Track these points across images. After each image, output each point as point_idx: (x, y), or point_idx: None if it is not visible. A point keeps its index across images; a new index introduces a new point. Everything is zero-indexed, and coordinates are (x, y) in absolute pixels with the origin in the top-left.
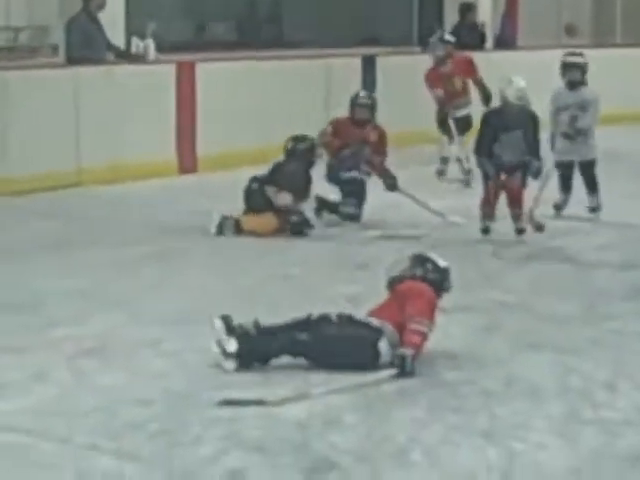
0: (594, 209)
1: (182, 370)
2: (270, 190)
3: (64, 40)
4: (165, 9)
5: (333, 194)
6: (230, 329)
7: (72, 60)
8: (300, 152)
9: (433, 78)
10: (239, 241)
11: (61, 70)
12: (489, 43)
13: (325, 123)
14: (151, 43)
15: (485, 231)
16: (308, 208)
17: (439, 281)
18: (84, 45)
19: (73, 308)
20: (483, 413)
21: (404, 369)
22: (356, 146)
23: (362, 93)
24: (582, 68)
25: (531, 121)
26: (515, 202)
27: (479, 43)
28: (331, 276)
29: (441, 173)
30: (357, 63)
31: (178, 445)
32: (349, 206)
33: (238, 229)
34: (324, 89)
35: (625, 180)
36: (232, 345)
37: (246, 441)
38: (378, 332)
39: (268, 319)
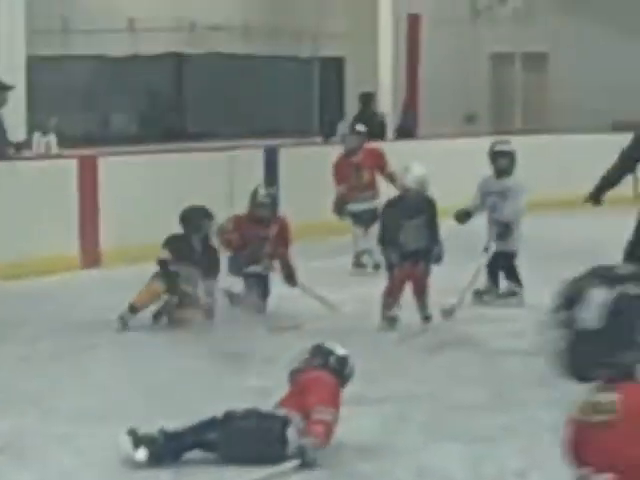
0: (508, 294)
1: (93, 467)
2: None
3: None
4: (67, 102)
5: (237, 286)
6: (137, 441)
7: None
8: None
9: (341, 169)
10: (146, 335)
11: None
12: (390, 133)
13: (228, 215)
14: (53, 137)
15: (392, 321)
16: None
17: (339, 369)
18: None
19: None
20: None
21: (305, 459)
22: (255, 245)
23: (261, 191)
24: (510, 156)
25: (430, 207)
26: (420, 290)
27: (380, 133)
28: (239, 370)
29: (359, 265)
30: (259, 154)
31: None
32: (253, 297)
33: (134, 311)
34: (227, 180)
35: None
36: (142, 454)
37: None
38: (284, 421)
39: (178, 414)
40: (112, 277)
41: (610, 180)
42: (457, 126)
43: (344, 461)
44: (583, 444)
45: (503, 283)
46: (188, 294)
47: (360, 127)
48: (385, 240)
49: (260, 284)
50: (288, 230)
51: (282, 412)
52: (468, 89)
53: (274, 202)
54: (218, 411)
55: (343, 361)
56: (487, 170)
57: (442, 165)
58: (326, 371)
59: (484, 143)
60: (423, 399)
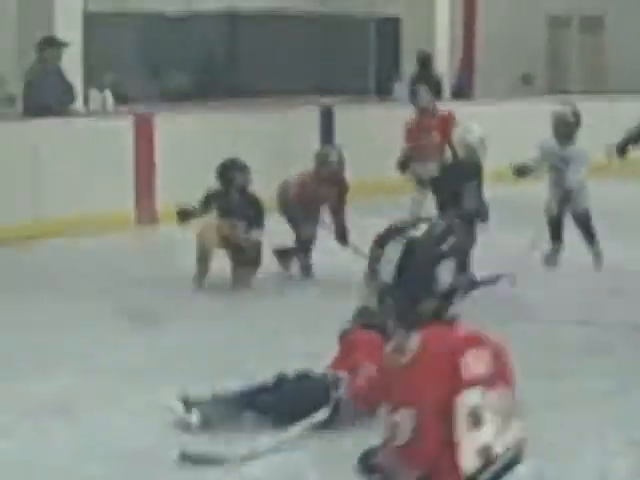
0: (596, 257)
1: (144, 427)
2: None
3: (23, 91)
4: (123, 60)
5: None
6: (189, 405)
7: (29, 112)
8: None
9: (413, 128)
10: (201, 295)
11: (20, 122)
12: (446, 94)
13: (282, 173)
14: (109, 94)
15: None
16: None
17: (381, 324)
18: (38, 96)
19: (34, 363)
20: None
21: (337, 410)
22: (315, 205)
23: (332, 151)
24: (572, 124)
25: (480, 170)
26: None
27: (436, 93)
28: (288, 333)
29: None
30: (315, 113)
31: None
32: (304, 259)
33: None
34: (282, 139)
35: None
36: (194, 417)
37: None
38: (335, 382)
39: (228, 376)
40: (167, 235)
41: (633, 135)
42: (513, 87)
43: None
44: (392, 388)
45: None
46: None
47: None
48: (448, 203)
49: (311, 247)
50: (347, 191)
51: (332, 374)
52: (525, 50)
53: (343, 163)
54: (268, 374)
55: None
56: (542, 131)
57: (497, 126)
58: (373, 330)
59: (540, 104)
60: None
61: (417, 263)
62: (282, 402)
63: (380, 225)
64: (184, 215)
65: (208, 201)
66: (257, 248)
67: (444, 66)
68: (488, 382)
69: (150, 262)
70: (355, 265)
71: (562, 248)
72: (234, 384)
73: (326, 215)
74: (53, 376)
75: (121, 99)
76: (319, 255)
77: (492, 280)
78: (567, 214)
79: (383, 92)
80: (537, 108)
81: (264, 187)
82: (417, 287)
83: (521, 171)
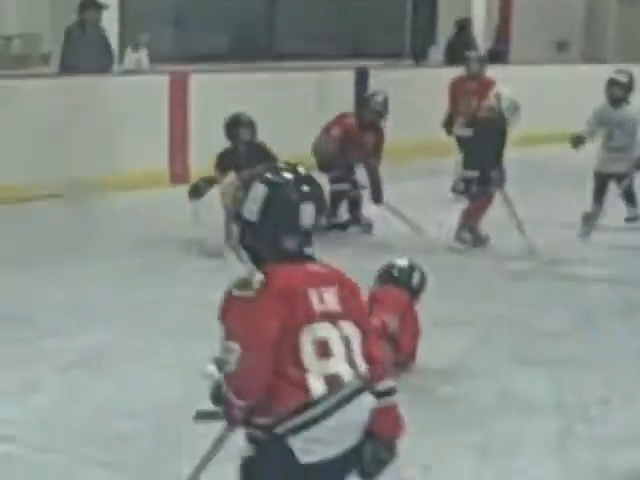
0: (631, 219)
1: (175, 382)
2: None
3: (60, 50)
4: (158, 19)
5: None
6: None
7: (65, 71)
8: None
9: (456, 90)
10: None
11: (54, 80)
12: None
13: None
14: (145, 53)
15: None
16: None
17: (406, 280)
18: (75, 57)
19: (64, 320)
20: (477, 429)
21: None
22: (356, 152)
23: (378, 97)
24: (624, 86)
25: (504, 135)
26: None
27: None
28: None
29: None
30: (350, 75)
31: (170, 458)
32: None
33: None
34: (317, 101)
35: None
36: None
37: (239, 455)
38: None
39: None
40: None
41: None
42: (549, 53)
43: (424, 384)
44: (233, 315)
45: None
46: None
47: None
48: (485, 162)
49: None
50: (383, 142)
51: None
52: (561, 17)
53: (386, 110)
54: None
55: (406, 271)
56: (578, 97)
57: (532, 91)
58: (395, 285)
59: (575, 71)
60: (508, 324)
61: (282, 203)
62: None
63: (418, 187)
64: (195, 191)
65: (222, 161)
66: None
67: (480, 31)
68: (337, 316)
69: (178, 221)
70: (389, 225)
71: (601, 212)
72: None
73: (361, 174)
74: (82, 333)
75: (156, 59)
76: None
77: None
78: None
79: (419, 55)
80: (571, 74)
81: (298, 149)
82: (281, 225)
83: (575, 142)
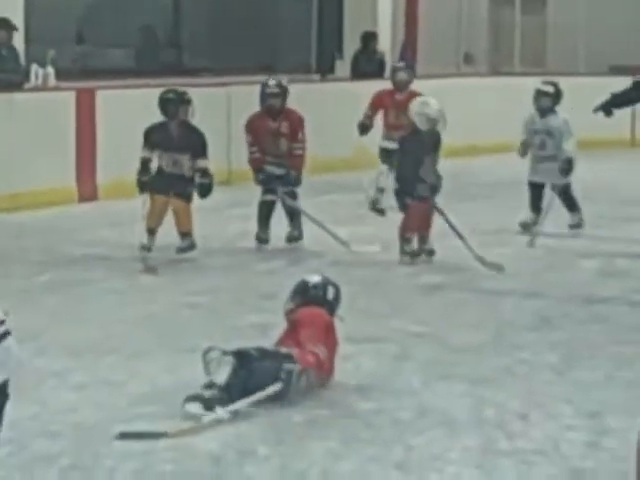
0: (574, 226)
1: (91, 403)
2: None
3: None
4: (64, 35)
5: None
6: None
7: None
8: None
9: (381, 100)
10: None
11: None
12: (388, 71)
13: (225, 151)
14: (51, 70)
15: (413, 255)
16: None
17: (321, 297)
18: None
19: None
20: (398, 444)
21: (289, 383)
22: (269, 140)
23: (271, 81)
24: (552, 96)
25: (439, 143)
26: (428, 225)
27: (379, 71)
28: (238, 305)
29: (375, 202)
30: (257, 90)
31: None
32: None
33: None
34: (225, 116)
35: (523, 209)
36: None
37: (160, 474)
38: (289, 358)
39: (177, 349)
40: (108, 211)
41: (620, 98)
42: (455, 66)
43: (343, 400)
44: None
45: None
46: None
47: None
48: (408, 175)
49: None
50: (302, 124)
51: (285, 350)
52: (467, 29)
53: (284, 92)
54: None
55: (320, 287)
56: (484, 107)
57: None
58: (313, 306)
59: (481, 83)
60: (423, 339)
61: None
62: (247, 381)
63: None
64: (141, 186)
65: (148, 136)
66: (209, 176)
67: (387, 44)
68: None
69: (89, 237)
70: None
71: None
72: (181, 358)
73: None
74: None
75: (62, 75)
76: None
77: None
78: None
79: (325, 69)
80: (477, 86)
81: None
82: None
83: (524, 150)
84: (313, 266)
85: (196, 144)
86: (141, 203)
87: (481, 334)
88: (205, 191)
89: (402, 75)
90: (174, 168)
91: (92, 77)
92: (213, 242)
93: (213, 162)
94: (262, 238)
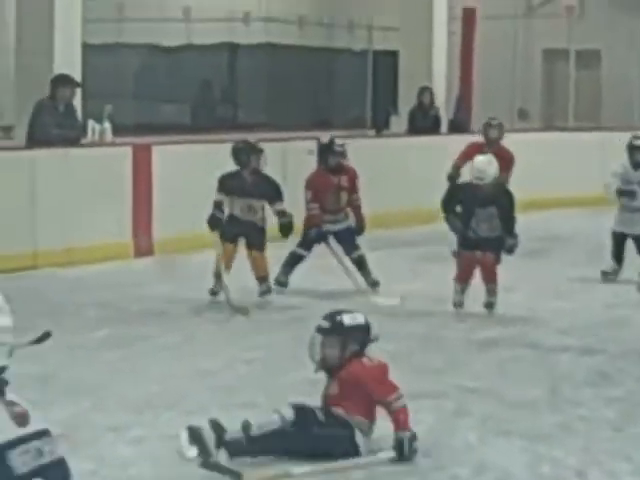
0: None
1: (148, 458)
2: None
3: (29, 122)
4: (121, 91)
5: None
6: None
7: (31, 142)
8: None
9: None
10: (200, 325)
11: (18, 152)
12: (444, 127)
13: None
14: (108, 125)
15: (459, 305)
16: None
17: (365, 340)
18: (43, 132)
19: (35, 394)
20: None
21: (402, 451)
22: (332, 195)
23: (337, 141)
24: None
25: (505, 198)
26: (489, 277)
27: (434, 127)
28: (293, 360)
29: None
30: (313, 146)
31: None
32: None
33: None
34: (280, 172)
35: (579, 264)
36: (193, 452)
37: None
38: (349, 426)
39: (233, 405)
40: (164, 266)
41: None
42: (509, 121)
43: None
44: None
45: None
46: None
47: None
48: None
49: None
50: (358, 179)
51: (344, 416)
52: (521, 85)
53: (346, 152)
54: (273, 403)
55: (364, 329)
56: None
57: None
58: (360, 357)
59: (536, 138)
60: (479, 395)
61: None
62: (302, 447)
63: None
64: (213, 224)
65: (223, 182)
66: (288, 215)
67: (442, 100)
68: None
69: (145, 292)
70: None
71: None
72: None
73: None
74: (53, 408)
75: (119, 130)
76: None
77: None
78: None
79: (380, 125)
80: (532, 141)
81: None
82: None
83: (617, 197)
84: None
85: (271, 189)
86: (214, 243)
87: (537, 390)
88: (287, 230)
89: (494, 132)
90: (248, 214)
91: (147, 133)
92: (270, 296)
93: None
94: (283, 282)
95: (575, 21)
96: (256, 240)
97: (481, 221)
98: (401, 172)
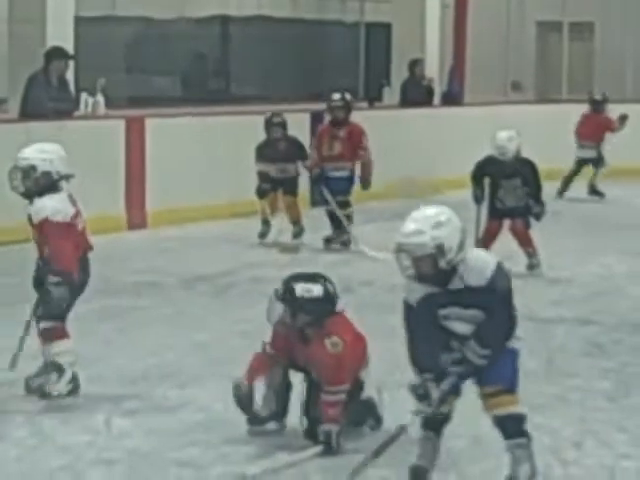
0: None
1: (144, 429)
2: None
3: (23, 95)
4: (113, 64)
5: None
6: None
7: (25, 115)
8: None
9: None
10: (193, 297)
11: (11, 125)
12: (436, 99)
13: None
14: (101, 98)
15: None
16: None
17: (322, 312)
18: (37, 105)
19: (28, 366)
20: (452, 473)
21: (330, 446)
22: (329, 144)
23: (335, 95)
24: None
25: (528, 168)
26: (523, 242)
27: (427, 99)
28: None
29: None
30: (306, 118)
31: None
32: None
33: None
34: None
35: (571, 236)
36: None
37: None
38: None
39: (226, 374)
40: (158, 239)
41: None
42: (503, 94)
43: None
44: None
45: None
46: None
47: None
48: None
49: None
50: (362, 134)
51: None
52: (514, 57)
53: (347, 105)
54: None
55: (318, 302)
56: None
57: (487, 132)
58: (323, 335)
59: (529, 110)
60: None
61: None
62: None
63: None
64: (261, 194)
65: (259, 152)
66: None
67: (434, 72)
68: None
69: (138, 265)
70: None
71: None
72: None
73: None
74: None
75: (111, 103)
76: None
77: None
78: None
79: (372, 98)
80: (526, 114)
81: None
82: None
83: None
84: (365, 294)
85: (299, 151)
86: (261, 208)
87: (533, 361)
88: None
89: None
90: (282, 174)
91: (139, 105)
92: (262, 269)
93: None
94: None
95: None
96: (289, 187)
97: (507, 192)
98: (393, 144)
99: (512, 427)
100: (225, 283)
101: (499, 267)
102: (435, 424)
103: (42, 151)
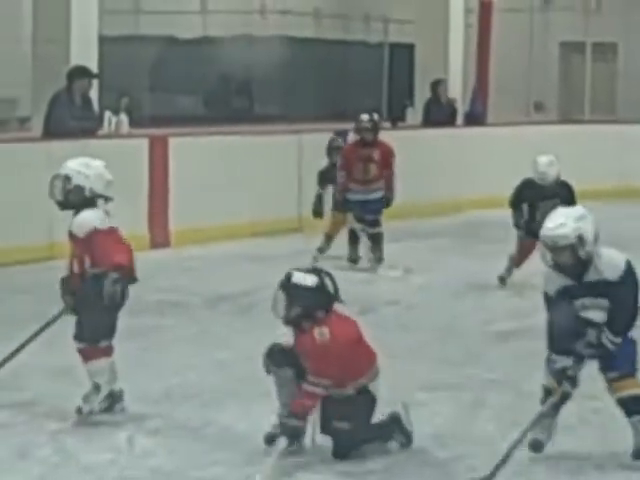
0: None
1: (167, 448)
2: None
3: (46, 114)
4: (137, 83)
5: None
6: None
7: (47, 133)
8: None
9: None
10: (216, 316)
11: (35, 144)
12: (459, 119)
13: (296, 198)
14: (124, 117)
15: (502, 281)
16: None
17: (313, 305)
18: (60, 124)
19: (55, 384)
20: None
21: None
22: (361, 166)
23: (364, 117)
24: None
25: (566, 190)
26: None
27: (450, 119)
28: None
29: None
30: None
31: None
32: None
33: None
34: (296, 163)
35: None
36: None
37: None
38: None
39: (247, 394)
40: (181, 257)
41: None
42: (525, 114)
43: (419, 447)
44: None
45: None
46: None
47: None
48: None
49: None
50: (392, 154)
51: None
52: (537, 77)
53: (375, 126)
54: None
55: (310, 291)
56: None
57: (510, 152)
58: (313, 326)
59: (552, 131)
60: (497, 386)
61: None
62: None
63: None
64: (317, 213)
65: (322, 177)
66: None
67: (457, 92)
68: None
69: (161, 284)
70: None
71: None
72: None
73: None
74: (74, 398)
75: (135, 122)
76: None
77: None
78: None
79: (395, 118)
80: (548, 135)
81: (277, 211)
82: None
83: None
84: (388, 313)
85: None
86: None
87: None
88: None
89: None
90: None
91: (163, 124)
92: None
93: (284, 210)
94: (352, 258)
95: (592, 14)
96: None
97: (545, 213)
98: (416, 164)
99: (634, 406)
100: (248, 302)
101: (629, 264)
102: (563, 403)
103: (83, 164)
